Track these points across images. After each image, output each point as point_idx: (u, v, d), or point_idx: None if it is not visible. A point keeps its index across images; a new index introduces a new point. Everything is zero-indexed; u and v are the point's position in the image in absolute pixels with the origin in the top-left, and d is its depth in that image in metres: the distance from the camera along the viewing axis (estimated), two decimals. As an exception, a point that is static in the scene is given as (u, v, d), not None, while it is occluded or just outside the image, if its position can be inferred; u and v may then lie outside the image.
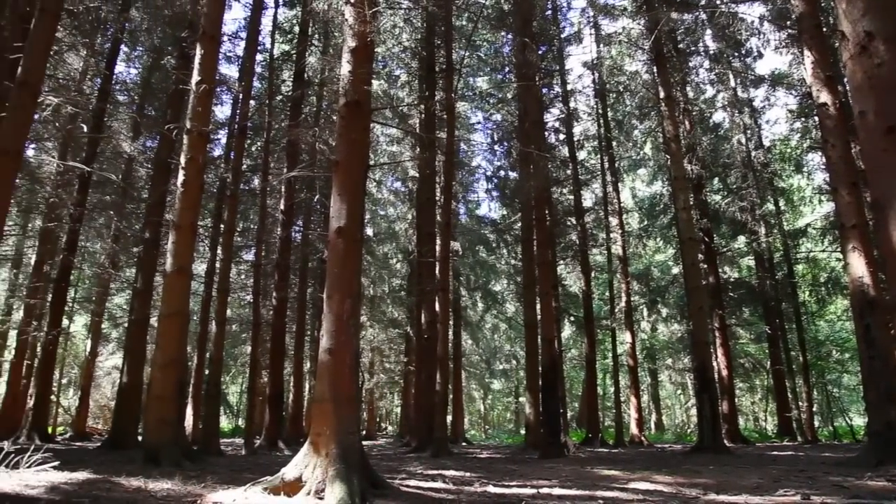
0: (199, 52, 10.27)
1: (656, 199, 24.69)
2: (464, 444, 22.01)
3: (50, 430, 18.55)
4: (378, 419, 35.92)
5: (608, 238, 22.32)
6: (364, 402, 27.68)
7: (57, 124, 15.64)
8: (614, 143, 23.09)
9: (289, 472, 6.17)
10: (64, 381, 27.02)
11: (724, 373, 19.36)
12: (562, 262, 22.03)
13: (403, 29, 19.66)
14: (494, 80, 24.36)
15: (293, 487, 5.98)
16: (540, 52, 18.54)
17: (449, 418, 17.74)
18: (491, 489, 7.06)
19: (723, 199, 21.67)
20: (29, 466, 7.62)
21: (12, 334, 22.86)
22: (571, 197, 21.60)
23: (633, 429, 20.13)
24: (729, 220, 21.44)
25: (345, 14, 7.78)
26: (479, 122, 27.69)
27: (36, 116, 8.57)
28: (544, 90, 20.09)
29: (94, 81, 18.51)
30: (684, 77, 20.15)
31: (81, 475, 7.36)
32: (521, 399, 37.32)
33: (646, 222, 25.21)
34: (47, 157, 17.34)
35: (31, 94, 7.18)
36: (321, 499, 5.69)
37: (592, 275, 22.39)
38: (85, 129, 16.68)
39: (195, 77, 10.12)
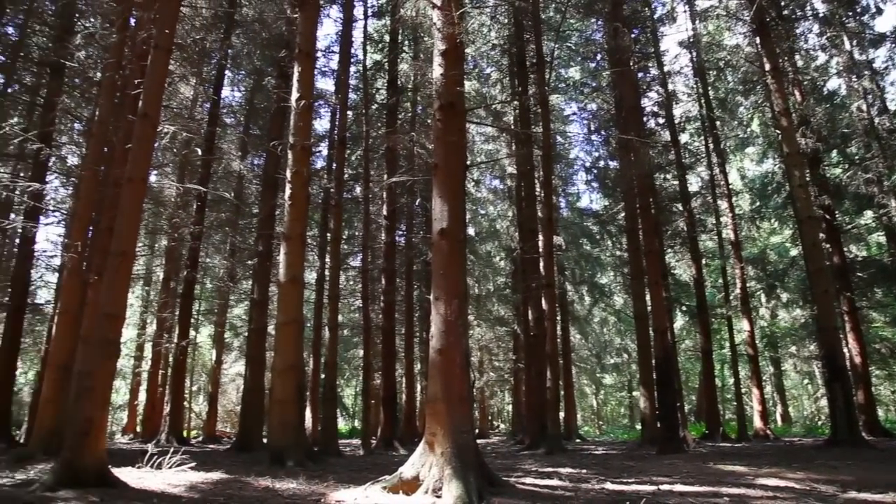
0: (296, 69, 10.73)
1: (768, 178, 23.32)
2: (577, 440, 21.69)
3: (184, 433, 19.87)
4: (490, 417, 36.05)
5: (718, 222, 21.33)
6: (475, 401, 27.85)
7: (174, 150, 16.77)
8: (718, 123, 22.03)
9: (406, 471, 6.30)
10: (194, 388, 28.87)
11: (857, 360, 17.98)
12: (670, 250, 21.30)
13: (491, 27, 19.64)
14: (587, 68, 23.87)
15: (411, 486, 6.10)
16: (633, 36, 17.98)
17: (561, 415, 17.53)
18: (609, 486, 6.92)
19: (844, 173, 20.09)
20: (170, 467, 8.23)
21: (147, 346, 24.74)
22: (676, 182, 20.83)
23: (757, 422, 19.09)
24: (852, 194, 19.86)
25: (433, 18, 7.88)
26: (574, 113, 27.23)
27: (156, 144, 9.21)
28: (640, 74, 19.50)
29: (203, 107, 19.72)
30: (791, 45, 18.88)
31: (215, 475, 7.86)
32: (634, 393, 36.35)
33: (758, 203, 23.91)
34: (168, 181, 18.65)
35: (152, 125, 7.72)
36: (439, 497, 5.77)
37: (703, 262, 21.46)
38: (199, 153, 17.78)
39: (294, 94, 10.58)
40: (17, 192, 13.92)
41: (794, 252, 23.34)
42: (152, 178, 17.71)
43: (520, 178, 19.67)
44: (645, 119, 19.38)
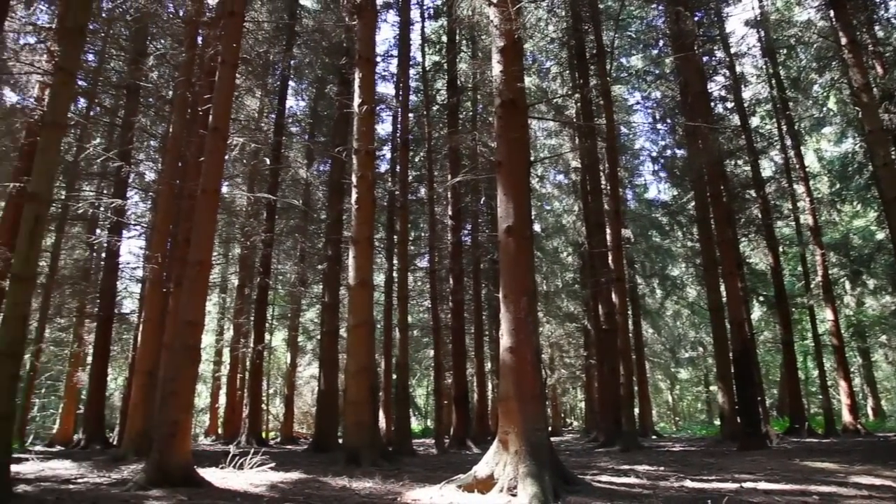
0: (357, 75, 10.92)
1: (848, 159, 22.12)
2: (653, 437, 21.22)
3: (263, 434, 20.50)
4: (562, 415, 35.70)
5: (795, 208, 20.42)
6: (548, 399, 27.62)
7: (244, 161, 17.33)
8: (791, 104, 21.07)
9: (480, 469, 6.31)
10: (271, 390, 29.73)
11: (956, 347, 16.90)
12: (744, 238, 20.54)
13: (548, 20, 19.39)
14: (649, 56, 23.29)
15: (485, 485, 6.11)
16: (696, 19, 17.42)
17: (635, 411, 17.19)
18: (688, 484, 6.75)
19: (934, 148, 18.90)
20: (251, 467, 8.51)
21: (226, 351, 25.66)
22: (748, 168, 20.06)
23: (846, 416, 18.14)
24: (944, 171, 18.66)
25: (489, 16, 7.87)
26: (637, 103, 26.66)
27: (226, 157, 9.55)
28: (705, 58, 18.87)
29: (269, 118, 20.32)
30: (870, 16, 17.85)
31: (294, 475, 8.09)
32: (711, 388, 35.24)
33: (837, 186, 22.73)
34: (239, 191, 19.30)
35: (222, 138, 8.02)
36: (514, 495, 5.75)
37: (781, 249, 20.58)
38: (267, 162, 18.32)
39: (356, 99, 10.76)
40: (101, 209, 14.71)
41: (880, 235, 22.09)
42: (224, 189, 18.37)
43: (584, 171, 19.39)
44: (712, 104, 18.74)
